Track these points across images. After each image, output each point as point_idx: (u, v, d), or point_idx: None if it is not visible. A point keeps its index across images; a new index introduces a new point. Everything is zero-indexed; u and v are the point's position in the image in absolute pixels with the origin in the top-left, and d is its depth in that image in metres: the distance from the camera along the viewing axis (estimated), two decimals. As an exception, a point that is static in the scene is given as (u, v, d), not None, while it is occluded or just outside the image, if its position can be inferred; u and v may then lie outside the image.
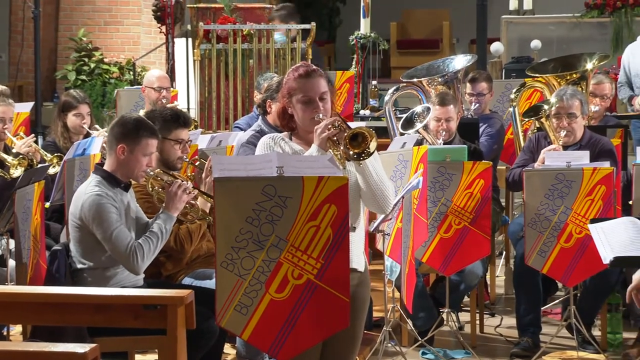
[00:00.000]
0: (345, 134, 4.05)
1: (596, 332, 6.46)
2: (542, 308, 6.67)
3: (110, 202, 4.95)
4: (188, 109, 10.56)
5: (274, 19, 9.50)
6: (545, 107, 6.86)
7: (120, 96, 8.83)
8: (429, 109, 6.79)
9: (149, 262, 5.00)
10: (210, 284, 5.18)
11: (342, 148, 4.07)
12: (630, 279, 6.30)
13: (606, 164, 6.16)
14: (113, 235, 4.91)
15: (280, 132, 4.39)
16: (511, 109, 7.87)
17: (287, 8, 9.57)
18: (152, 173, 5.16)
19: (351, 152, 4.03)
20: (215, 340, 5.03)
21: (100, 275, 5.01)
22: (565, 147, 6.51)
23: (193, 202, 5.26)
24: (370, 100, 10.48)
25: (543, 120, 6.87)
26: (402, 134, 6.96)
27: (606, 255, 4.57)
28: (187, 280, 5.42)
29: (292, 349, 4.02)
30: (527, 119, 7.39)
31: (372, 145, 4.02)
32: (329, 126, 4.12)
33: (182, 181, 5.16)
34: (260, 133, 6.07)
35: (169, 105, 7.51)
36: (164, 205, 5.11)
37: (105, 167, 5.08)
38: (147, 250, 4.95)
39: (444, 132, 6.74)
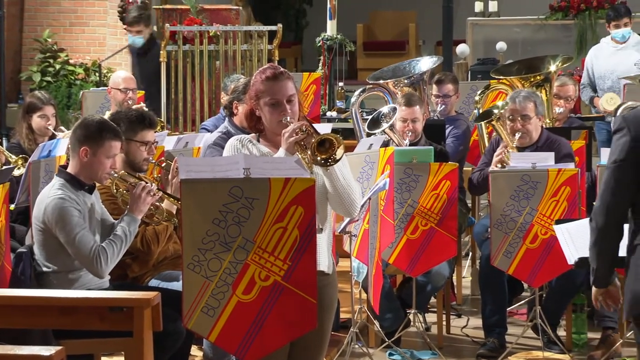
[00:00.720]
0: (313, 140, 4.05)
1: (561, 333, 6.51)
2: (508, 309, 6.71)
3: (73, 205, 4.92)
4: (154, 110, 10.52)
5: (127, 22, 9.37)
6: (495, 111, 6.92)
7: (86, 97, 8.79)
8: (395, 109, 6.82)
9: (113, 265, 4.97)
10: (177, 285, 5.16)
11: (309, 153, 4.07)
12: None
13: (571, 165, 6.21)
14: (76, 239, 4.88)
15: (247, 134, 4.39)
16: (476, 111, 7.92)
17: (140, 10, 9.44)
18: (116, 175, 5.14)
19: (318, 158, 4.03)
20: (182, 342, 5.02)
21: (65, 278, 4.98)
22: (522, 149, 6.57)
23: (158, 204, 5.24)
24: (337, 101, 10.51)
25: (494, 122, 6.93)
26: (368, 134, 6.98)
27: (571, 256, 4.61)
28: (153, 282, 5.40)
29: (259, 351, 4.01)
30: (479, 123, 7.43)
31: (339, 152, 4.03)
32: (297, 130, 4.12)
33: (146, 183, 5.14)
34: (227, 134, 6.06)
35: (134, 107, 7.48)
36: (128, 207, 5.09)
37: (69, 170, 5.05)
38: (111, 253, 4.93)
39: (410, 133, 6.77)
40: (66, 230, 4.89)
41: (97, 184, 5.15)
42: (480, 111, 7.74)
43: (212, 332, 4.01)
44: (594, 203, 6.18)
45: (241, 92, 6.25)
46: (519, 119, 6.57)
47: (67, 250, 4.93)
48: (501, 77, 7.90)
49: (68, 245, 4.90)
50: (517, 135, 6.57)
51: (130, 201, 5.08)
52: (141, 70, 9.29)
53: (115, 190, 5.18)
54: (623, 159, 3.88)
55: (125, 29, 9.27)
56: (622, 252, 4.05)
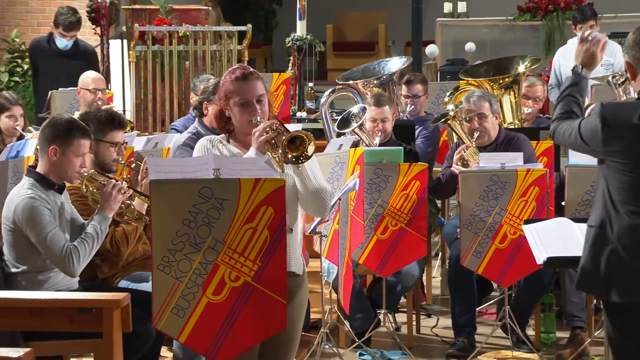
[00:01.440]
0: (284, 137, 4.05)
1: (530, 332, 6.54)
2: (477, 308, 6.74)
3: (44, 204, 4.90)
4: (124, 110, 10.49)
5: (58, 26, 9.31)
6: (451, 113, 6.96)
7: (55, 98, 8.74)
8: (365, 109, 6.84)
9: (85, 264, 4.96)
10: (146, 286, 5.14)
11: (280, 151, 4.07)
12: (564, 279, 6.43)
13: (539, 166, 6.25)
14: (47, 238, 4.86)
15: (217, 134, 4.38)
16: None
17: (76, 14, 9.38)
18: (86, 174, 5.12)
19: (289, 155, 4.04)
20: (151, 344, 5.01)
21: (34, 278, 4.96)
22: (482, 148, 6.61)
23: (128, 202, 5.23)
24: (307, 102, 10.51)
25: (450, 122, 6.97)
26: (338, 134, 6.99)
27: (540, 256, 4.64)
28: (123, 283, 5.39)
29: (229, 352, 4.01)
30: (436, 124, 7.46)
31: (310, 148, 4.03)
32: (267, 129, 4.13)
33: (117, 181, 5.13)
34: (197, 135, 6.05)
35: (104, 107, 7.45)
36: (98, 206, 5.07)
37: (38, 170, 5.03)
38: (82, 252, 4.91)
39: (379, 133, 6.79)
40: (37, 229, 4.86)
41: (67, 184, 5.13)
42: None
43: (182, 333, 4.01)
44: (562, 203, 6.26)
45: (211, 92, 6.24)
46: (476, 118, 6.62)
47: (37, 250, 4.90)
48: (470, 78, 7.93)
49: (39, 244, 4.88)
50: (476, 135, 6.61)
51: (100, 199, 5.07)
52: (68, 70, 9.19)
53: (85, 190, 5.17)
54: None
55: (61, 33, 9.19)
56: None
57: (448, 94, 8.05)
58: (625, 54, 4.18)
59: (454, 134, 7.52)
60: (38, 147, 5.23)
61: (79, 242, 4.93)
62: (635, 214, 3.96)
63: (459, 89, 8.01)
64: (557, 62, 9.21)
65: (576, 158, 6.12)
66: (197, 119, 6.58)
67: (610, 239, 3.99)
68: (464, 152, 6.59)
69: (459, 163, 6.57)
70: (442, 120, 7.07)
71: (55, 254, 4.87)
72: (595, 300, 6.35)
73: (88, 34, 11.45)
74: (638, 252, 3.95)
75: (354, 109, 6.95)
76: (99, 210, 5.05)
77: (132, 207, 5.27)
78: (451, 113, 6.96)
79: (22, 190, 4.96)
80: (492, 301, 7.15)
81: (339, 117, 7.08)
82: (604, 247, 4.00)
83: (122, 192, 5.10)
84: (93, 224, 5.00)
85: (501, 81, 7.68)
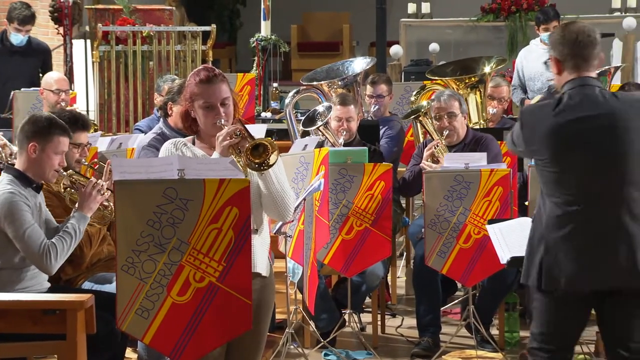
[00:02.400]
0: (247, 145, 4.05)
1: (494, 331, 6.57)
2: (442, 308, 6.76)
3: (23, 200, 4.89)
4: (87, 111, 10.44)
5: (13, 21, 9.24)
6: (423, 109, 6.99)
7: (17, 98, 8.67)
8: (330, 107, 6.86)
9: (62, 261, 4.93)
10: (111, 287, 5.13)
11: (243, 157, 4.07)
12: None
13: (503, 166, 6.29)
14: (26, 234, 4.83)
15: (181, 135, 4.37)
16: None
17: (30, 9, 9.32)
18: (64, 173, 5.11)
19: (252, 162, 4.03)
20: (116, 345, 4.99)
21: (7, 277, 4.90)
22: (451, 147, 6.65)
23: (107, 203, 5.21)
24: (272, 102, 10.51)
25: (421, 118, 7.00)
26: (303, 132, 6.99)
27: (503, 255, 4.69)
28: (87, 285, 5.36)
29: (194, 353, 4.00)
30: (408, 120, 7.49)
31: (273, 158, 4.02)
32: (231, 134, 4.12)
33: (97, 181, 5.12)
34: (162, 136, 6.03)
35: (67, 108, 7.41)
36: (77, 205, 5.06)
37: (17, 166, 5.01)
38: (60, 249, 4.89)
39: (344, 132, 6.81)
40: (16, 225, 4.83)
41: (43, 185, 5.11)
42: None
43: (146, 334, 3.99)
44: (526, 203, 6.31)
45: (176, 93, 6.22)
46: (445, 116, 6.66)
47: (13, 247, 4.86)
48: (436, 77, 7.96)
49: (17, 240, 4.84)
50: (445, 133, 6.65)
51: (79, 199, 5.07)
52: (23, 68, 9.13)
53: (62, 190, 5.16)
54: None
55: (16, 28, 9.11)
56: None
57: (414, 93, 8.07)
58: (551, 49, 4.40)
59: (420, 133, 7.55)
60: (17, 144, 5.20)
61: (57, 240, 4.91)
62: (557, 205, 4.23)
63: (426, 88, 8.03)
64: (519, 62, 9.27)
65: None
66: (161, 120, 6.55)
67: (541, 230, 4.27)
68: (435, 148, 6.61)
69: (429, 159, 6.59)
70: (414, 116, 7.10)
71: (33, 250, 4.84)
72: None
73: (51, 34, 11.39)
74: (561, 242, 4.22)
75: (320, 108, 6.97)
76: (77, 209, 5.03)
77: (110, 207, 5.25)
78: (423, 110, 6.98)
79: (1, 186, 4.92)
80: (456, 301, 7.19)
81: (304, 116, 7.09)
82: (536, 239, 4.29)
83: (102, 193, 5.09)
84: (72, 223, 4.98)
85: (467, 81, 7.71)
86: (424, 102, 7.16)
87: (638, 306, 4.27)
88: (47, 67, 9.17)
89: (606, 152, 4.19)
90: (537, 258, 4.27)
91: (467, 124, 6.82)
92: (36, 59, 9.20)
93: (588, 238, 4.21)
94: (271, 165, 4.04)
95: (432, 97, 7.02)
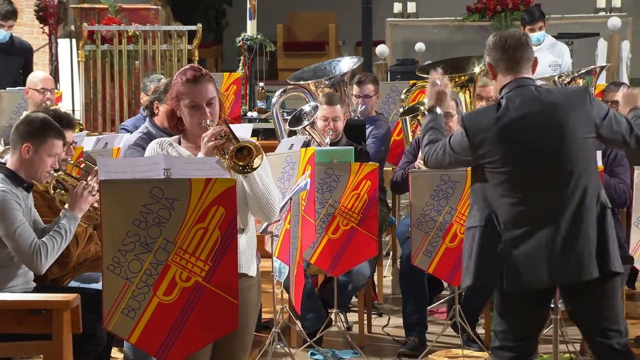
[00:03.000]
0: (232, 147, 4.04)
1: (480, 330, 6.59)
2: (428, 307, 6.77)
3: (15, 198, 4.88)
4: (73, 110, 10.41)
5: None
6: (422, 107, 6.98)
7: (2, 98, 8.65)
8: (317, 107, 6.86)
9: (52, 260, 4.93)
10: (97, 287, 5.11)
11: (227, 159, 4.07)
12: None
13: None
14: (17, 232, 4.82)
15: (167, 134, 4.37)
16: (401, 110, 7.95)
17: (12, 4, 9.26)
18: (55, 174, 5.10)
19: (236, 165, 4.03)
20: (102, 345, 4.97)
21: None
22: None
23: (97, 205, 5.20)
24: (258, 102, 10.50)
25: (419, 118, 6.99)
26: (290, 132, 6.98)
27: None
28: (73, 284, 5.35)
29: (181, 352, 4.00)
30: (404, 117, 7.49)
31: (257, 161, 4.02)
32: (216, 135, 4.12)
33: (88, 182, 5.11)
34: (148, 135, 6.02)
35: (52, 107, 7.38)
36: (68, 205, 5.05)
37: (8, 165, 5.01)
38: (51, 248, 4.88)
39: (331, 132, 6.81)
40: (7, 223, 4.82)
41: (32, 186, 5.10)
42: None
43: (132, 333, 3.99)
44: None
45: (162, 92, 6.21)
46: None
47: (1, 245, 4.84)
48: (426, 76, 7.94)
49: (7, 238, 4.83)
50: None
51: (70, 200, 5.06)
52: (4, 67, 9.09)
53: (52, 191, 5.15)
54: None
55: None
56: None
57: (404, 90, 8.05)
58: (486, 55, 4.60)
59: (409, 131, 7.54)
60: (10, 142, 5.18)
61: (48, 239, 4.90)
62: (513, 205, 4.34)
63: (415, 86, 8.03)
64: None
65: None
66: (148, 119, 6.54)
67: (499, 232, 4.36)
68: None
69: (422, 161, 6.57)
70: (412, 114, 7.09)
71: (24, 249, 4.83)
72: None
73: (36, 33, 11.35)
74: (520, 241, 4.33)
75: (306, 107, 6.97)
76: (68, 210, 5.02)
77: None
78: (422, 107, 6.96)
79: None
80: (442, 300, 7.19)
81: (291, 116, 7.09)
82: (493, 242, 4.37)
83: (93, 194, 5.08)
84: (62, 223, 4.97)
85: (457, 79, 7.71)
86: (425, 100, 7.11)
87: (603, 289, 4.42)
88: (28, 66, 9.13)
89: (552, 146, 4.34)
90: (497, 260, 4.36)
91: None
92: (19, 57, 9.17)
93: (544, 235, 4.32)
94: (255, 169, 4.03)
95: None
